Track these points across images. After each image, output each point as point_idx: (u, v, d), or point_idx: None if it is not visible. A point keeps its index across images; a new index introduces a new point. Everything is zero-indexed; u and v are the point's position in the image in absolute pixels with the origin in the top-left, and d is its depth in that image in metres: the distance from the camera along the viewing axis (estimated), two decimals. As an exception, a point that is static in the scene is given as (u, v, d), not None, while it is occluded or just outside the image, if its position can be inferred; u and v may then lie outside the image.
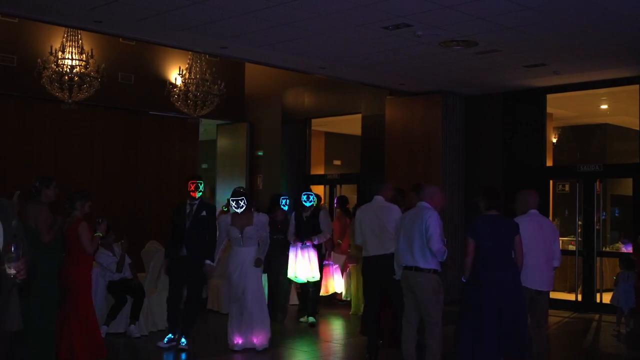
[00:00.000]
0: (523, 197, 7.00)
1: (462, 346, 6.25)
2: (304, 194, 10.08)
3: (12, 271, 3.93)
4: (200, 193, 8.28)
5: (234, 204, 8.13)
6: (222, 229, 8.21)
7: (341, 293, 11.48)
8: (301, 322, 10.00)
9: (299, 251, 9.79)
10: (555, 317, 10.65)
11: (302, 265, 9.77)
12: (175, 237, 8.26)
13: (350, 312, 10.73)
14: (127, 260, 8.93)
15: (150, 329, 8.98)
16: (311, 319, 9.90)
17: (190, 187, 8.22)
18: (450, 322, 6.97)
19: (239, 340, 8.00)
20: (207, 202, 8.71)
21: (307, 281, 9.95)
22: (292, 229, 9.91)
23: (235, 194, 8.17)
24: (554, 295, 11.46)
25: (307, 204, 9.97)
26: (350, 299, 10.98)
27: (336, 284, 11.30)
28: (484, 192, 6.52)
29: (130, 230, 9.45)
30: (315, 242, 9.89)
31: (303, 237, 9.77)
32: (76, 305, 7.07)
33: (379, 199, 7.70)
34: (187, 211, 8.24)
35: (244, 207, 8.09)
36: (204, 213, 8.24)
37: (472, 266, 6.28)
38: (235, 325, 8.01)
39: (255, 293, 8.03)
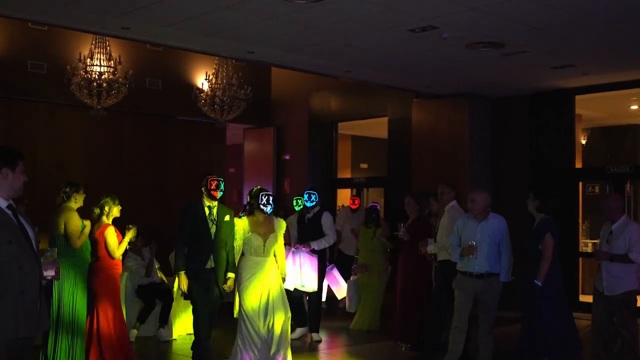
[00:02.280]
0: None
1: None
2: (306, 193, 9.09)
3: (51, 273, 4.04)
4: (222, 193, 6.97)
5: (264, 199, 7.00)
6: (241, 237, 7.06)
7: (342, 299, 10.53)
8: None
9: (291, 257, 8.77)
10: (586, 321, 10.52)
11: (292, 273, 8.69)
12: (196, 246, 6.83)
13: (351, 327, 9.82)
14: (156, 264, 9.00)
15: (178, 332, 9.03)
16: (315, 335, 8.94)
17: (211, 184, 6.90)
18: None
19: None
20: (225, 205, 7.32)
21: (295, 289, 8.85)
22: (294, 232, 9.04)
23: (263, 190, 7.12)
24: (583, 298, 11.38)
25: (309, 204, 8.98)
26: (355, 312, 10.02)
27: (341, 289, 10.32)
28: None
29: (159, 235, 9.48)
30: (315, 248, 8.76)
31: (302, 241, 8.83)
32: (104, 310, 7.12)
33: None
34: (207, 214, 6.91)
35: (272, 209, 7.10)
36: (227, 218, 6.97)
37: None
38: (250, 346, 6.83)
39: (281, 307, 6.93)
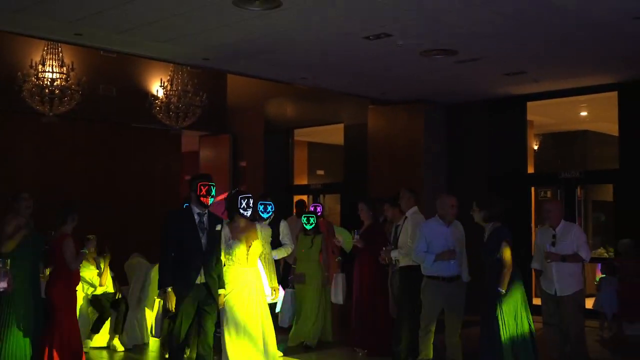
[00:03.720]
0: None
1: None
2: (261, 204, 8.34)
3: (3, 285, 3.98)
4: (213, 199, 6.25)
5: (244, 203, 6.49)
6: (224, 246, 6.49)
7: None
8: None
9: None
10: (538, 324, 10.67)
11: None
12: (184, 259, 6.11)
13: (289, 343, 8.87)
14: (110, 273, 8.88)
15: (133, 342, 8.93)
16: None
17: (202, 190, 6.17)
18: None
19: None
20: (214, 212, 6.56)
21: None
22: None
23: (243, 192, 6.62)
24: (536, 301, 11.55)
25: (265, 215, 8.32)
26: (292, 325, 9.07)
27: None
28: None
29: (113, 244, 9.38)
30: (275, 258, 8.03)
31: None
32: (60, 321, 7.02)
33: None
34: (197, 222, 6.23)
35: (250, 212, 6.59)
36: (218, 227, 6.34)
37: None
38: (251, 351, 6.38)
39: (268, 321, 6.55)
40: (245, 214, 6.49)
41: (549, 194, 13.27)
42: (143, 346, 8.84)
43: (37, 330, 7.04)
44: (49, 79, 11.25)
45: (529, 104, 12.16)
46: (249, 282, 6.40)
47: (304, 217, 9.14)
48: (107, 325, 8.75)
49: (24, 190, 7.24)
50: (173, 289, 6.01)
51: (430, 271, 7.21)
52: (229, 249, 6.36)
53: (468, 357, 7.46)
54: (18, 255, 6.68)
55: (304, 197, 14.70)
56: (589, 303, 10.68)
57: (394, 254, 7.83)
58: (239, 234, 6.41)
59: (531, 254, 11.93)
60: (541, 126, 13.98)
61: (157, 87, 13.40)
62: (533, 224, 12.25)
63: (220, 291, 6.21)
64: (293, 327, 8.99)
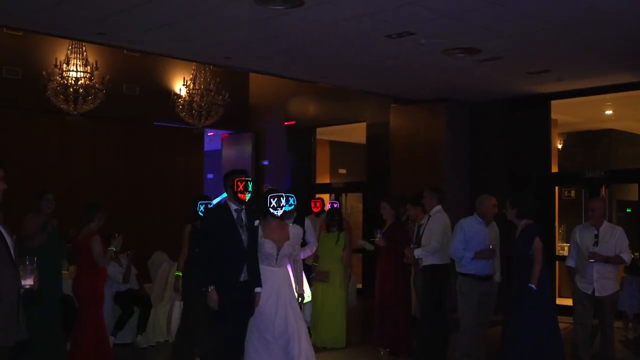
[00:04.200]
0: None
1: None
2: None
3: (30, 282, 4.02)
4: (250, 195, 5.99)
5: (274, 202, 6.19)
6: None
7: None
8: None
9: None
10: (562, 324, 10.60)
11: None
12: (225, 257, 5.88)
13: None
14: (134, 270, 8.95)
15: (156, 339, 8.98)
16: None
17: (239, 186, 5.93)
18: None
19: None
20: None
21: None
22: None
23: (273, 191, 6.31)
24: (560, 301, 11.46)
25: (287, 208, 7.30)
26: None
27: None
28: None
29: (136, 241, 9.44)
30: (302, 257, 7.67)
31: None
32: (87, 318, 7.09)
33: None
34: (235, 218, 5.97)
35: (281, 211, 6.29)
36: (257, 223, 6.10)
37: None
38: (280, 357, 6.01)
39: (301, 323, 6.16)
40: (275, 213, 6.19)
41: (572, 193, 13.16)
42: (166, 343, 8.89)
43: (60, 327, 7.14)
44: (73, 78, 11.35)
45: (553, 102, 12.07)
46: (278, 283, 6.11)
47: (329, 213, 9.15)
48: (131, 322, 8.81)
49: (47, 189, 7.29)
50: (215, 289, 5.77)
51: (467, 269, 7.29)
52: (260, 248, 6.11)
53: (489, 356, 7.44)
54: (38, 253, 6.75)
55: (326, 196, 14.71)
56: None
57: (417, 253, 7.81)
58: (270, 234, 6.15)
59: (554, 253, 11.94)
60: (565, 125, 13.86)
61: (179, 85, 13.47)
62: (557, 223, 12.16)
63: (257, 289, 5.95)
64: (313, 330, 8.72)
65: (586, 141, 15.03)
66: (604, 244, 7.12)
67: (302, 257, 7.60)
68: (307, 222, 8.53)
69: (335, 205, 9.73)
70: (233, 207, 5.97)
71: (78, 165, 12.89)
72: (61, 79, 11.28)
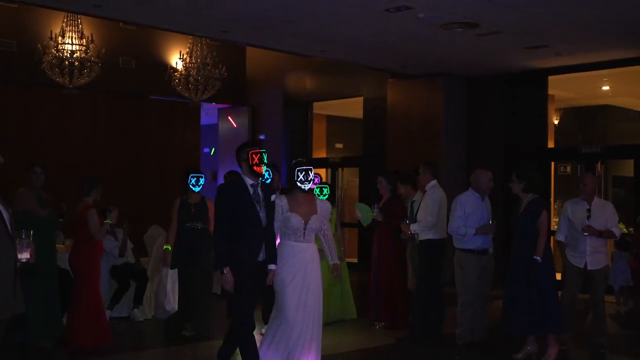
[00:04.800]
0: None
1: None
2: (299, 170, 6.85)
3: (26, 255, 4.01)
4: (266, 167, 5.70)
5: (301, 175, 5.84)
6: (277, 218, 5.81)
7: None
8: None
9: None
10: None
11: None
12: (242, 235, 5.54)
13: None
14: (130, 245, 8.96)
15: (153, 313, 9.02)
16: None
17: (254, 158, 5.57)
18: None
19: None
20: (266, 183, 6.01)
21: None
22: None
23: (301, 163, 5.93)
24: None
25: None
26: None
27: None
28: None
29: (133, 215, 9.43)
30: None
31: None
32: (84, 291, 7.11)
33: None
34: (251, 193, 5.60)
35: (309, 185, 5.92)
36: (273, 197, 5.75)
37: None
38: (283, 346, 5.73)
39: (319, 301, 5.88)
40: (303, 187, 5.83)
41: (568, 169, 13.18)
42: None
43: (57, 301, 7.18)
44: (69, 51, 11.27)
45: (550, 78, 12.06)
46: (306, 259, 5.79)
47: (317, 188, 8.89)
48: (127, 296, 8.84)
49: (37, 162, 7.32)
50: (231, 270, 5.43)
51: (467, 244, 7.32)
52: (287, 222, 5.78)
53: (490, 330, 7.53)
54: (33, 227, 6.78)
55: (322, 171, 14.71)
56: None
57: (413, 228, 7.82)
58: (297, 207, 5.81)
59: (549, 228, 11.96)
60: (562, 100, 13.85)
61: (176, 59, 13.39)
62: (552, 199, 12.19)
63: (271, 267, 5.64)
64: None
65: (583, 117, 15.02)
66: (595, 219, 7.18)
67: None
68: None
69: (316, 180, 9.26)
70: (249, 182, 5.60)
71: (74, 138, 12.85)
72: (56, 52, 11.20)
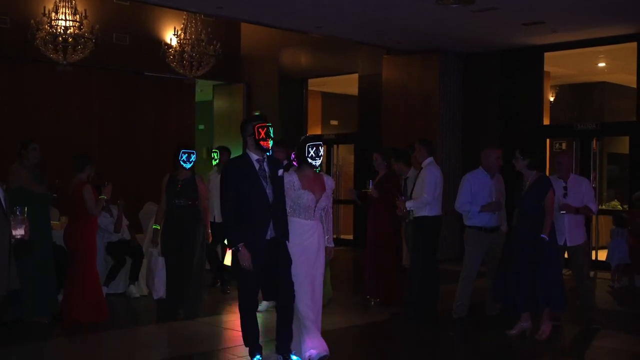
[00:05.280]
0: None
1: None
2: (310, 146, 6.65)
3: (21, 232, 4.01)
4: (272, 142, 5.52)
5: (312, 151, 5.69)
6: (288, 195, 5.64)
7: None
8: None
9: None
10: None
11: None
12: (249, 213, 5.38)
13: None
14: (125, 221, 8.96)
15: (148, 289, 9.05)
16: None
17: (260, 133, 5.41)
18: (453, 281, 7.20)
19: (313, 350, 5.65)
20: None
21: None
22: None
23: (310, 139, 5.79)
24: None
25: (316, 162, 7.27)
26: None
27: None
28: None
29: (128, 192, 9.43)
30: None
31: None
32: (80, 267, 7.12)
33: None
34: (257, 169, 5.45)
35: (320, 161, 5.76)
36: (280, 172, 5.59)
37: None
38: (312, 326, 5.64)
39: (321, 280, 5.81)
40: (313, 163, 5.69)
41: (564, 146, 13.19)
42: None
43: (52, 277, 7.19)
44: (62, 27, 11.19)
45: (546, 54, 12.04)
46: (315, 237, 5.69)
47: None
48: (122, 273, 8.86)
49: (34, 138, 7.27)
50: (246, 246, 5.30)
51: (474, 221, 7.42)
52: (298, 200, 5.64)
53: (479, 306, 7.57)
54: (28, 203, 6.78)
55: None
56: (603, 255, 10.76)
57: (409, 205, 7.83)
58: (308, 185, 5.67)
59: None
60: (558, 77, 13.83)
61: (170, 35, 13.31)
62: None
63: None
64: None
65: (578, 94, 15.01)
66: (572, 196, 7.23)
67: None
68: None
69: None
70: (254, 157, 5.45)
71: (68, 115, 12.80)
72: (50, 28, 11.12)
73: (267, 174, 5.43)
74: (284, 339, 5.51)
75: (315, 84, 15.39)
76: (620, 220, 10.08)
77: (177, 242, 7.48)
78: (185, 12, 12.70)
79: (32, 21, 11.11)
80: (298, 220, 5.65)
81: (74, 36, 11.23)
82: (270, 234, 5.39)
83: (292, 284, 5.47)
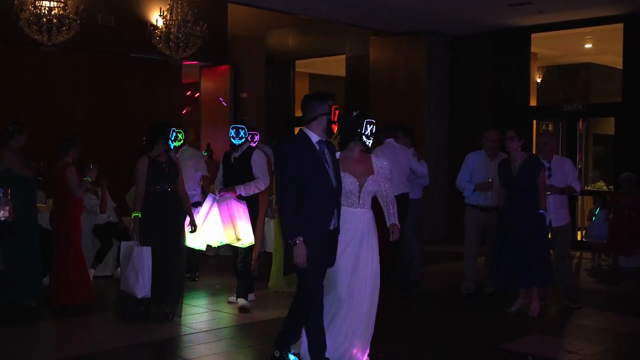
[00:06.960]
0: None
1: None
2: (233, 127, 7.16)
3: (5, 214, 4.00)
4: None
5: (369, 129, 5.06)
6: None
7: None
8: (230, 302, 7.46)
9: (214, 206, 6.95)
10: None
11: (211, 224, 6.94)
12: (312, 200, 4.66)
13: (269, 286, 8.19)
14: (112, 204, 8.94)
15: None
16: (242, 300, 7.18)
17: (335, 114, 5.02)
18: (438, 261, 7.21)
19: (361, 355, 4.97)
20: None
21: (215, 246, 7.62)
22: (219, 174, 7.38)
23: (365, 115, 5.14)
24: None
25: (237, 142, 7.07)
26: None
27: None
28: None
29: (115, 174, 9.38)
30: (242, 194, 6.95)
31: (227, 185, 7.05)
32: (66, 249, 7.12)
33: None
34: (317, 149, 4.82)
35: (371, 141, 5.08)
36: (338, 155, 5.02)
37: None
38: (351, 326, 4.91)
39: (377, 291, 5.03)
40: (368, 142, 5.04)
41: (550, 127, 13.24)
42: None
43: (38, 260, 7.18)
44: (47, 8, 11.06)
45: (533, 35, 12.06)
46: (361, 228, 4.94)
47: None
48: (110, 255, 8.85)
49: (22, 122, 7.22)
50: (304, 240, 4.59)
51: (469, 200, 7.71)
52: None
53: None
54: (11, 186, 6.75)
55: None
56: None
57: None
58: (351, 166, 4.98)
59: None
60: (545, 58, 13.85)
61: (156, 16, 13.20)
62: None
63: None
64: (273, 271, 8.21)
65: (565, 75, 15.04)
66: (556, 176, 7.30)
67: (243, 194, 6.93)
68: (258, 154, 7.18)
69: (256, 138, 8.29)
70: (315, 138, 4.81)
71: (53, 97, 12.71)
72: (34, 9, 10.99)
73: (327, 158, 4.80)
74: (288, 336, 4.97)
75: (303, 65, 15.34)
76: (602, 202, 10.22)
77: (162, 232, 6.67)
78: (171, -7, 12.60)
79: (15, 1, 10.98)
80: (343, 207, 4.90)
81: (59, 17, 11.12)
82: (333, 223, 4.75)
83: (322, 294, 4.77)
